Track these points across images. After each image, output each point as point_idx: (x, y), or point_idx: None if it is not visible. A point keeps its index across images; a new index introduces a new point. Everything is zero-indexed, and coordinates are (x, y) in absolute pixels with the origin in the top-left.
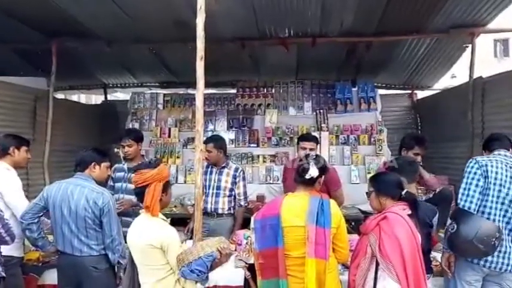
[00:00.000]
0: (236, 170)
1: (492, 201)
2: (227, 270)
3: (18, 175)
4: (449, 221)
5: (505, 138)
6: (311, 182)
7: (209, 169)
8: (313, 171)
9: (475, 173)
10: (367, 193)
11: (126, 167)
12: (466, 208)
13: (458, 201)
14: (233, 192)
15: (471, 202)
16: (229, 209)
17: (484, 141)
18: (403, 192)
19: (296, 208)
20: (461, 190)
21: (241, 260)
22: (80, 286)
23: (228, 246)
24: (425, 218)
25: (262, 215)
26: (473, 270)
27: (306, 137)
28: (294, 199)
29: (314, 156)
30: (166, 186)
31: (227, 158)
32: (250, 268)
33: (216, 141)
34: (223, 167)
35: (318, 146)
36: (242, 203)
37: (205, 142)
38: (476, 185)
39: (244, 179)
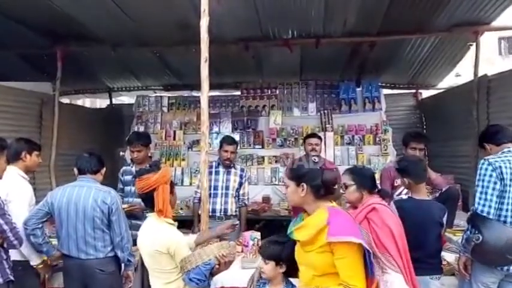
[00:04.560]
0: (242, 170)
1: (508, 204)
2: (234, 272)
3: None
4: (467, 226)
5: (507, 129)
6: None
7: (215, 169)
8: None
9: (490, 176)
10: (344, 185)
11: (134, 170)
12: (484, 214)
13: (476, 205)
14: (238, 193)
15: (490, 207)
16: (236, 209)
17: (485, 134)
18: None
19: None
20: (477, 194)
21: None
22: None
23: (230, 251)
24: (435, 217)
25: (360, 235)
26: (492, 273)
27: (310, 135)
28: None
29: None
30: (172, 187)
31: None
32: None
33: (236, 142)
34: (231, 167)
35: (323, 146)
36: (246, 202)
37: (229, 143)
38: (494, 189)
39: (248, 179)
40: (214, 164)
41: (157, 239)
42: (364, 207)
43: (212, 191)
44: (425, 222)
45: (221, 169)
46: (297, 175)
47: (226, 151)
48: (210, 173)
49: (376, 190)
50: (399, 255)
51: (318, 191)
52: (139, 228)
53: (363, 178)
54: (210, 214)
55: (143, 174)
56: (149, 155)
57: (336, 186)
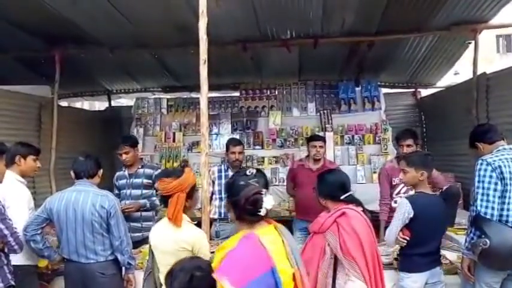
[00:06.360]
0: None
1: (509, 203)
2: None
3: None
4: (470, 229)
5: (496, 127)
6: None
7: (224, 173)
8: (268, 203)
9: (490, 176)
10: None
11: (127, 173)
12: (488, 216)
13: (479, 207)
14: None
15: (493, 208)
16: None
17: (476, 134)
18: (344, 196)
19: (278, 248)
20: (479, 196)
21: None
22: None
23: None
24: (444, 210)
25: (247, 279)
26: (495, 273)
27: (314, 137)
28: (270, 236)
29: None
30: (192, 193)
31: None
32: None
33: (242, 143)
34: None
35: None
36: None
37: (236, 144)
38: (495, 189)
39: None
40: (222, 167)
41: (183, 237)
42: (334, 211)
43: (223, 195)
44: (438, 216)
45: (230, 173)
46: (225, 187)
47: (234, 152)
48: (220, 177)
49: (343, 197)
50: (365, 263)
51: (234, 208)
52: (138, 231)
53: (324, 187)
54: (222, 217)
55: (165, 176)
56: (140, 156)
57: (261, 211)
